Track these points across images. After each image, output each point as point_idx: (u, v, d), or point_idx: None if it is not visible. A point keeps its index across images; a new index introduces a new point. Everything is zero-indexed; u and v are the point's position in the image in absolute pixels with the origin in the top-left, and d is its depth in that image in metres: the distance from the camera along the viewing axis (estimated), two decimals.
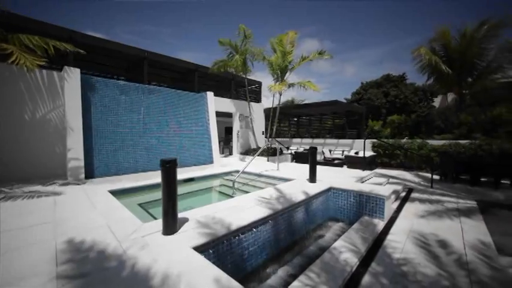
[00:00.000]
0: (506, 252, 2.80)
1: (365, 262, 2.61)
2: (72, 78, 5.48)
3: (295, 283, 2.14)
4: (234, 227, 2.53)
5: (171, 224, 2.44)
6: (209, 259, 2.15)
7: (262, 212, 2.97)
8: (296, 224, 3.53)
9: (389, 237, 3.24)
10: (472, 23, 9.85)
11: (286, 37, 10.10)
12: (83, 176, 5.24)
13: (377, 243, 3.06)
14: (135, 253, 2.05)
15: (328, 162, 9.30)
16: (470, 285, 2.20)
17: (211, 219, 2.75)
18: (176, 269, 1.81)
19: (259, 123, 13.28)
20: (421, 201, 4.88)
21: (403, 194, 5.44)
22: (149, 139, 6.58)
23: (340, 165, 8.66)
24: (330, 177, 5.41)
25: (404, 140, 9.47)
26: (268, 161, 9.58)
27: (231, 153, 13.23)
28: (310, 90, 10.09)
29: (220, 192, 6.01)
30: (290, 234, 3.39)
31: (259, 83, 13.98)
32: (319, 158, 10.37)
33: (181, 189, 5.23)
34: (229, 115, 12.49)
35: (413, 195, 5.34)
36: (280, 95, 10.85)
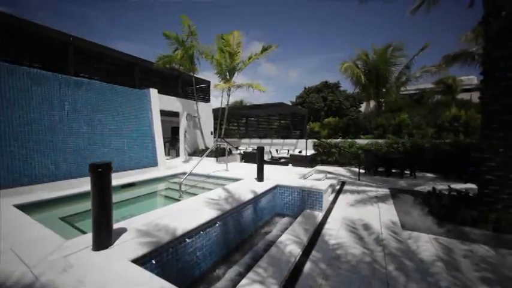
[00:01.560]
0: (406, 227, 3.54)
1: (307, 251, 2.87)
2: None
3: (244, 281, 2.19)
4: (180, 232, 2.41)
5: (105, 237, 2.15)
6: (152, 270, 1.99)
7: (210, 214, 2.92)
8: (245, 222, 3.60)
9: (326, 226, 3.66)
10: (380, 45, 12.11)
11: (232, 37, 10.13)
12: None
13: (317, 232, 3.41)
14: (54, 278, 1.72)
15: (275, 161, 9.82)
16: (384, 258, 2.69)
17: (154, 226, 2.54)
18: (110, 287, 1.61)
19: (207, 123, 12.96)
20: (351, 192, 5.69)
21: (338, 187, 6.23)
22: (77, 140, 5.59)
23: (286, 163, 9.26)
24: (277, 175, 5.73)
25: (338, 140, 10.85)
26: (217, 161, 9.46)
27: (178, 155, 12.48)
28: (258, 92, 10.46)
29: (166, 196, 5.61)
30: (239, 234, 3.44)
31: (208, 82, 13.66)
32: (266, 157, 10.83)
33: (119, 196, 4.66)
34: (175, 114, 11.75)
35: (346, 187, 6.18)
36: (229, 95, 10.87)
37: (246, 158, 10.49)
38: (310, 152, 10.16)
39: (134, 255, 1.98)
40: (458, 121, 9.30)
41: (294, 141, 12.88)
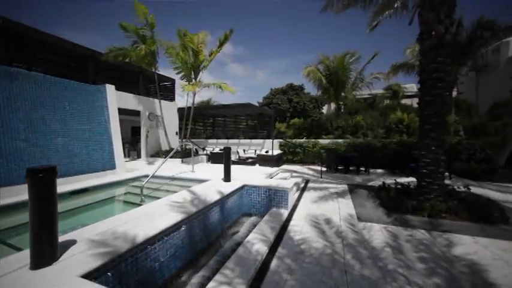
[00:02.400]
0: (362, 219, 3.91)
1: (273, 248, 2.96)
2: None
3: (211, 284, 2.15)
4: (141, 239, 2.25)
5: (47, 252, 1.88)
6: (107, 284, 1.82)
7: (175, 218, 2.79)
8: (212, 224, 3.54)
9: (292, 222, 3.82)
10: (343, 51, 13.19)
11: (196, 37, 9.77)
12: None
13: (283, 230, 3.54)
14: None
15: (243, 161, 9.86)
16: (343, 248, 2.93)
17: (111, 235, 2.33)
18: None
19: (172, 123, 12.37)
20: (314, 189, 6.03)
21: (302, 185, 6.54)
22: (11, 142, 4.77)
23: (253, 163, 9.37)
24: (244, 175, 5.77)
25: (303, 140, 11.41)
26: (182, 162, 9.10)
27: (139, 156, 11.63)
28: (226, 92, 10.35)
29: (125, 201, 5.18)
30: (206, 236, 3.36)
31: (173, 81, 13.04)
32: (234, 157, 10.80)
33: (68, 204, 4.15)
34: (136, 113, 10.93)
35: (309, 185, 6.53)
36: (194, 95, 10.55)
37: (213, 158, 10.31)
38: (277, 151, 10.47)
39: (85, 270, 1.78)
40: (402, 123, 10.61)
41: (261, 141, 13.11)
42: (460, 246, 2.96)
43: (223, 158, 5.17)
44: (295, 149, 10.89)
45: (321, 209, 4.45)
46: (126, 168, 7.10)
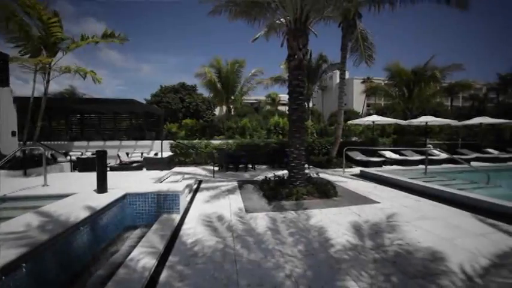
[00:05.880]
0: (249, 211, 4.42)
1: (163, 258, 2.73)
2: None
3: None
4: None
5: None
6: None
7: (4, 257, 1.94)
8: (78, 250, 2.76)
9: (184, 226, 3.68)
10: (231, 58, 14.35)
11: None
12: None
13: (174, 236, 3.34)
14: None
15: (126, 166, 8.40)
16: (233, 241, 3.18)
17: None
18: None
19: (5, 118, 8.49)
20: (207, 189, 6.13)
21: (195, 186, 6.47)
22: None
23: (139, 168, 8.20)
24: (127, 182, 4.93)
25: (195, 141, 11.28)
26: (26, 174, 6.49)
27: None
28: (100, 83, 8.24)
29: None
30: (69, 268, 2.58)
31: (5, 56, 8.85)
32: (114, 162, 9.01)
33: None
34: None
35: (202, 185, 6.56)
36: (47, 80, 7.78)
37: (82, 165, 8.04)
38: (167, 153, 9.74)
39: None
40: (279, 126, 12.96)
41: (149, 142, 11.69)
42: (313, 218, 4.02)
43: (95, 164, 4.17)
44: (188, 150, 10.59)
45: (214, 207, 4.60)
46: None
